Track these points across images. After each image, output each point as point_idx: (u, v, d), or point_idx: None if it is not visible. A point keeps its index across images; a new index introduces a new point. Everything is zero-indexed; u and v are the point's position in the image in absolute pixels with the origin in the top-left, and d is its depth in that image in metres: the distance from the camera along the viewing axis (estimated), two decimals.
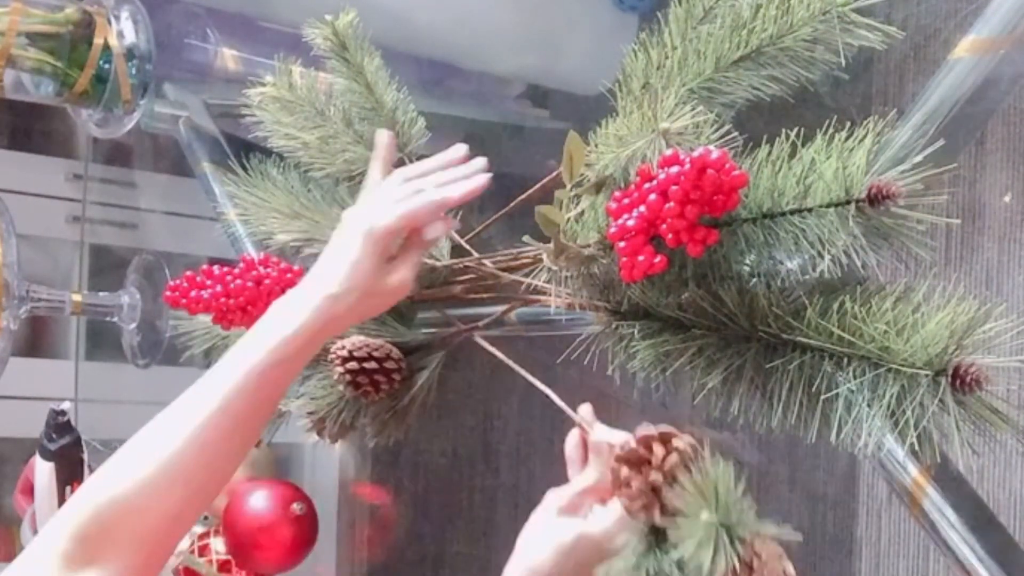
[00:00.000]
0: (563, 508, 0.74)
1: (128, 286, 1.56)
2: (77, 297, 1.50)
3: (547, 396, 0.82)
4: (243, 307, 0.92)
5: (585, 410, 0.79)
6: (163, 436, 0.72)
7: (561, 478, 0.78)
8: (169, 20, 1.37)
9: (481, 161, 0.79)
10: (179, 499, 0.72)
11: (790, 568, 0.62)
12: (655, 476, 0.65)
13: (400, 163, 0.95)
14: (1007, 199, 1.45)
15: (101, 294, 1.57)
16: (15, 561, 0.71)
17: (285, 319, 0.74)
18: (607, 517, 0.72)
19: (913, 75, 1.43)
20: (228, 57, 1.39)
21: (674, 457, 0.66)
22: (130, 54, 1.32)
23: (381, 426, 0.95)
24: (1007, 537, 0.84)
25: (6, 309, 1.35)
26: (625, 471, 0.68)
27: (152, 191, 1.68)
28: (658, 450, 0.67)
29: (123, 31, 1.32)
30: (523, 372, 0.85)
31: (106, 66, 1.31)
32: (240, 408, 0.73)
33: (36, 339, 2.06)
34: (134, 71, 1.32)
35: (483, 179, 0.77)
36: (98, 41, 1.30)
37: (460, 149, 0.80)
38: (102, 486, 0.71)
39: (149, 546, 0.71)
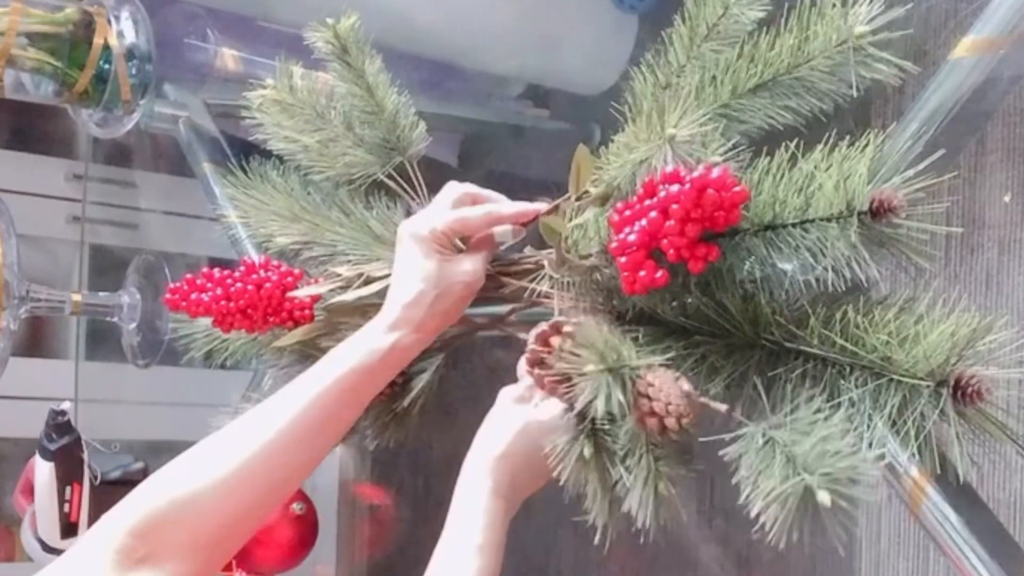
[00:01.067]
0: (515, 398, 0.80)
1: (128, 286, 1.55)
2: (77, 297, 1.49)
3: None
4: (243, 310, 0.91)
5: (532, 334, 0.84)
6: (237, 440, 0.73)
7: None
8: (169, 20, 1.36)
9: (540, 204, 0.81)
10: (243, 504, 0.72)
11: (685, 384, 0.65)
12: (560, 364, 0.69)
13: (401, 166, 0.95)
14: (1007, 199, 1.45)
15: (101, 294, 1.57)
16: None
17: (369, 333, 0.76)
18: (554, 404, 0.76)
19: (913, 76, 1.42)
20: (228, 57, 1.39)
21: (569, 341, 0.70)
22: (130, 54, 1.31)
23: (382, 429, 0.95)
24: (1007, 537, 0.84)
25: (6, 309, 1.35)
26: (538, 371, 0.73)
27: (152, 191, 1.68)
28: (556, 341, 0.72)
29: (123, 31, 1.32)
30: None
31: (106, 66, 1.31)
32: (317, 416, 0.74)
33: (36, 339, 2.06)
34: (134, 71, 1.32)
35: (539, 205, 0.79)
36: (98, 41, 1.30)
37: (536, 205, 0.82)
38: (165, 485, 0.71)
39: (206, 552, 0.71)
